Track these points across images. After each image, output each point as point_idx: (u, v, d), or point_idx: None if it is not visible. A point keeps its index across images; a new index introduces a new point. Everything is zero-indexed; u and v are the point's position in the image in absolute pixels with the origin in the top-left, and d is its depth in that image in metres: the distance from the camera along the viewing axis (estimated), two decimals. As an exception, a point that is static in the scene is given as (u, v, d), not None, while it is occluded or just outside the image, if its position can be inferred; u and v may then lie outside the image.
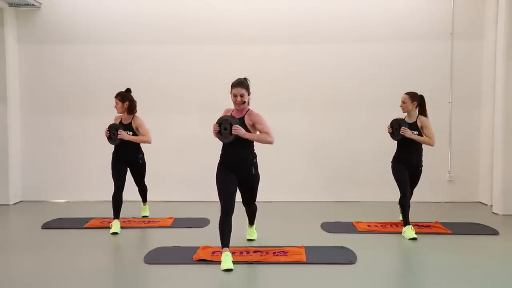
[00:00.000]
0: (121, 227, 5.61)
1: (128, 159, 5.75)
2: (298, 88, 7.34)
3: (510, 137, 6.49)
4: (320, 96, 7.35)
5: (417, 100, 5.49)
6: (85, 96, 7.42)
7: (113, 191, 5.59)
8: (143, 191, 6.20)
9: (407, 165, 5.49)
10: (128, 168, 5.82)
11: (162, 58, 7.40)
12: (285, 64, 7.34)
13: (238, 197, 4.60)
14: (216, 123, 4.50)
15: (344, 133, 7.37)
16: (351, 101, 7.35)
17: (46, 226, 5.85)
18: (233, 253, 4.40)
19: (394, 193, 5.79)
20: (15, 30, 7.34)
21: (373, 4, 7.30)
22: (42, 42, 7.40)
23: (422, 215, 6.21)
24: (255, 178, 4.68)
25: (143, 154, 5.92)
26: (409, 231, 5.25)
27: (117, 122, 5.74)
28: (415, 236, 5.21)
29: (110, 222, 5.66)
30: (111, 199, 5.61)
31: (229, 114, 4.61)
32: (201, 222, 5.97)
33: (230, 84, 4.57)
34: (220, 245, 4.39)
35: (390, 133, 5.57)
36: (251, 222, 5.15)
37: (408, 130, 5.38)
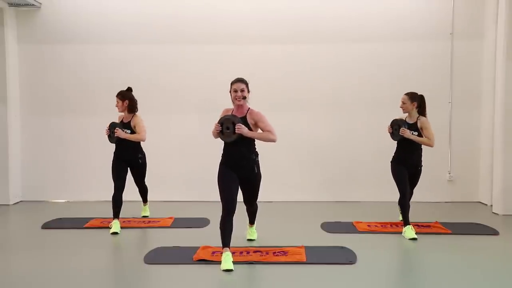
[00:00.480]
0: (121, 227, 5.61)
1: (128, 158, 5.75)
2: (298, 88, 7.34)
3: (510, 137, 6.49)
4: (320, 96, 7.35)
5: (417, 101, 5.49)
6: (85, 96, 7.42)
7: (113, 191, 5.59)
8: (143, 191, 6.20)
9: (406, 165, 5.49)
10: (128, 168, 5.82)
11: (162, 58, 7.40)
12: (285, 64, 7.34)
13: (239, 197, 4.60)
14: (218, 122, 4.49)
15: (344, 133, 7.37)
16: (351, 101, 7.36)
17: (46, 226, 5.85)
18: (233, 253, 4.40)
19: (394, 193, 5.79)
20: (15, 30, 7.34)
21: (373, 4, 7.30)
22: (42, 42, 7.40)
23: (422, 215, 6.21)
24: (257, 177, 4.68)
25: (144, 154, 5.92)
26: (409, 231, 5.25)
27: (119, 121, 5.75)
28: (415, 236, 5.21)
29: (110, 222, 5.66)
30: (111, 199, 5.60)
31: (227, 113, 4.59)
32: (201, 222, 5.97)
33: (229, 83, 4.57)
34: (220, 245, 4.39)
35: (390, 133, 5.57)
36: (252, 222, 5.15)
37: (407, 130, 5.38)
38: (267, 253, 4.64)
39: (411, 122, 5.48)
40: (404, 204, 5.35)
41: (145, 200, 6.29)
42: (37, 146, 7.47)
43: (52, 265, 4.44)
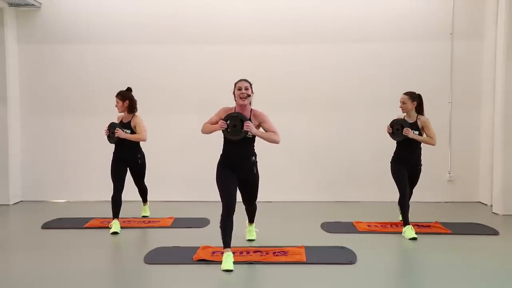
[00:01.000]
0: (121, 227, 5.61)
1: (127, 158, 5.75)
2: (298, 88, 7.34)
3: (510, 137, 6.49)
4: (320, 96, 7.35)
5: (417, 100, 5.49)
6: (85, 96, 7.42)
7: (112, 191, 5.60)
8: (143, 192, 6.20)
9: (406, 165, 5.49)
10: (128, 169, 5.82)
11: (162, 58, 7.40)
12: (285, 64, 7.34)
13: (238, 196, 4.60)
14: (224, 119, 4.42)
15: (344, 133, 7.37)
16: (351, 101, 7.36)
17: (46, 226, 5.85)
18: (233, 253, 4.40)
19: (394, 193, 5.79)
20: (15, 30, 7.34)
21: (373, 4, 7.30)
22: (42, 42, 7.40)
23: (422, 215, 6.21)
24: (256, 177, 4.68)
25: (143, 154, 5.91)
26: (409, 231, 5.25)
27: (119, 122, 5.75)
28: (415, 236, 5.21)
29: (110, 222, 5.65)
30: (110, 200, 5.61)
31: (228, 112, 4.51)
32: (201, 222, 5.97)
33: (233, 83, 4.57)
34: (220, 245, 4.40)
35: (390, 133, 5.54)
36: (251, 221, 5.15)
37: (411, 130, 5.38)
38: (267, 253, 4.64)
39: (410, 121, 5.48)
40: (404, 204, 5.35)
41: (145, 200, 6.29)
42: (37, 146, 7.47)
43: (52, 265, 4.44)
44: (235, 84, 4.55)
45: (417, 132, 5.42)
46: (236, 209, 4.46)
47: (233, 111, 4.55)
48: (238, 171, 4.53)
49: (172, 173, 7.38)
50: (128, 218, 6.10)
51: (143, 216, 6.30)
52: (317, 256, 4.58)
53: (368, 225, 5.77)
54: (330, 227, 5.75)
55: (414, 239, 5.19)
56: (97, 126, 7.17)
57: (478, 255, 4.76)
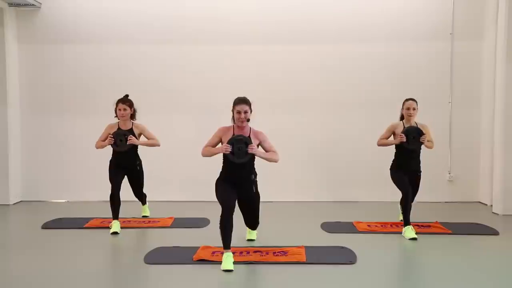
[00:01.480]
0: (121, 227, 5.61)
1: (126, 165, 5.74)
2: (298, 88, 7.34)
3: (510, 137, 6.49)
4: (320, 96, 7.35)
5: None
6: (85, 96, 7.42)
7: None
8: (142, 198, 6.20)
9: (407, 171, 5.49)
10: (126, 176, 5.81)
11: (162, 58, 7.39)
12: (285, 64, 7.34)
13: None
14: (228, 143, 4.46)
15: (344, 132, 7.37)
16: (351, 101, 7.35)
17: (46, 226, 5.85)
18: (233, 253, 4.40)
19: (394, 193, 5.80)
20: (15, 30, 7.34)
21: (373, 4, 7.30)
22: (42, 42, 7.40)
23: (422, 215, 6.21)
24: (255, 196, 4.74)
25: (141, 161, 5.92)
26: (409, 231, 5.25)
27: (114, 130, 5.68)
28: (415, 236, 5.21)
29: (110, 222, 5.65)
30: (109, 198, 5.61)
31: (226, 132, 4.59)
32: (201, 222, 5.97)
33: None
34: (220, 245, 4.40)
35: (403, 142, 5.41)
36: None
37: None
38: (267, 253, 4.64)
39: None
40: (405, 204, 5.34)
41: (144, 202, 6.29)
42: (37, 146, 7.47)
43: (52, 265, 4.44)
44: (234, 105, 4.56)
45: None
46: (236, 210, 4.47)
47: (231, 130, 4.61)
48: (237, 190, 4.55)
49: (172, 173, 7.38)
50: (128, 218, 6.10)
51: (143, 216, 6.30)
52: (317, 256, 4.58)
53: (368, 225, 5.77)
54: (330, 227, 5.75)
55: (414, 239, 5.19)
56: (97, 126, 7.14)
57: (478, 255, 4.76)
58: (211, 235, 5.08)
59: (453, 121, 7.34)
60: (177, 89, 7.38)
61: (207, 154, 4.63)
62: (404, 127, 5.51)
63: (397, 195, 5.50)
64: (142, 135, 5.81)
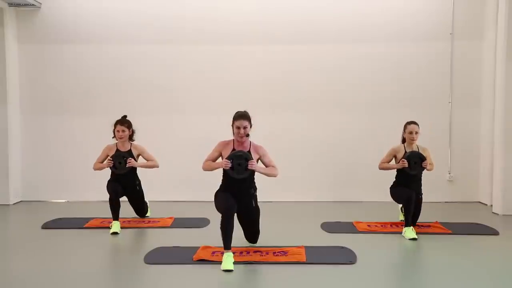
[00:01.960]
0: (121, 227, 5.61)
1: (126, 186, 5.76)
2: (298, 88, 7.34)
3: (510, 137, 6.49)
4: (319, 96, 7.35)
5: None
6: (85, 96, 7.42)
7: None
8: (143, 214, 6.19)
9: None
10: (124, 194, 5.83)
11: (162, 58, 7.39)
12: (285, 64, 7.33)
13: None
14: (228, 158, 4.47)
15: (344, 132, 7.37)
16: (351, 101, 7.36)
17: (46, 226, 5.85)
18: (233, 253, 4.40)
19: (394, 193, 5.79)
20: (15, 30, 7.34)
21: (373, 4, 7.30)
22: (42, 42, 7.40)
23: (422, 215, 6.18)
24: (255, 211, 4.74)
25: (140, 181, 5.94)
26: (409, 231, 5.25)
27: (112, 152, 5.70)
28: (415, 236, 5.21)
29: (110, 222, 5.65)
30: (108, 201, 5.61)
31: (226, 147, 4.61)
32: (201, 222, 5.97)
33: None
34: (220, 245, 4.40)
35: (406, 167, 5.43)
36: None
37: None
38: (267, 253, 4.64)
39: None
40: (408, 207, 5.32)
41: (146, 212, 6.30)
42: (37, 146, 7.47)
43: (52, 265, 4.44)
44: (234, 120, 4.57)
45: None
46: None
47: (231, 144, 4.63)
48: (237, 203, 4.55)
49: (172, 173, 7.37)
50: (128, 218, 6.10)
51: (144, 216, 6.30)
52: (317, 256, 4.58)
53: (368, 225, 5.77)
54: (330, 227, 5.75)
55: (414, 239, 5.19)
56: (97, 126, 7.20)
57: (478, 255, 4.76)
58: (211, 235, 5.08)
59: (453, 121, 7.34)
60: (177, 89, 7.38)
61: (207, 168, 4.66)
62: (405, 151, 5.53)
63: (397, 195, 5.50)
64: (140, 156, 5.82)
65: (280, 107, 7.29)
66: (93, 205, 7.05)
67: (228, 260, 4.25)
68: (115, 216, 5.57)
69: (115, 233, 5.47)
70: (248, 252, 4.68)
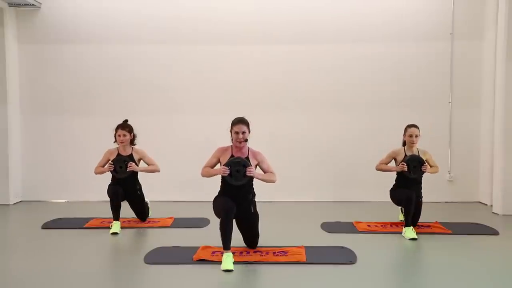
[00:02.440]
0: (121, 227, 5.61)
1: (127, 191, 5.74)
2: (298, 88, 7.34)
3: (510, 137, 6.49)
4: (320, 96, 7.35)
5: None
6: (85, 96, 7.42)
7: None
8: (144, 216, 6.16)
9: None
10: (126, 200, 5.81)
11: (163, 58, 7.39)
12: (285, 64, 7.33)
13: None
14: (226, 165, 4.47)
15: (344, 133, 7.37)
16: (351, 101, 7.36)
17: (46, 226, 5.85)
18: (233, 253, 4.40)
19: (394, 193, 5.79)
20: (15, 30, 7.34)
21: (373, 4, 7.30)
22: (42, 42, 7.40)
23: (422, 215, 6.18)
24: (254, 216, 4.72)
25: (141, 185, 5.92)
26: (409, 232, 5.25)
27: (113, 156, 5.70)
28: (415, 236, 5.21)
29: (110, 222, 5.65)
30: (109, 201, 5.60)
31: (224, 153, 4.61)
32: (201, 222, 5.97)
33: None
34: (220, 245, 4.39)
35: (405, 171, 5.46)
36: None
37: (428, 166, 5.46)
38: (267, 253, 4.63)
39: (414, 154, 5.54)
40: (408, 207, 5.32)
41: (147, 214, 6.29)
42: (37, 146, 7.47)
43: (52, 265, 4.43)
44: (232, 125, 4.57)
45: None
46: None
47: (229, 150, 4.62)
48: (236, 208, 4.53)
49: (172, 173, 7.36)
50: (128, 218, 6.10)
51: (143, 216, 6.30)
52: (317, 256, 4.58)
53: (368, 225, 5.77)
54: (330, 227, 5.75)
55: (414, 239, 5.19)
56: (97, 126, 7.21)
57: (478, 255, 4.76)
58: (211, 235, 5.08)
59: (453, 121, 7.34)
60: (177, 89, 7.38)
61: (206, 175, 4.66)
62: (405, 154, 5.54)
63: (397, 195, 5.50)
64: (141, 160, 5.82)
65: (280, 107, 7.29)
66: (93, 205, 7.05)
67: (228, 260, 4.25)
68: (116, 216, 5.57)
69: (115, 233, 5.47)
70: (248, 252, 4.68)
